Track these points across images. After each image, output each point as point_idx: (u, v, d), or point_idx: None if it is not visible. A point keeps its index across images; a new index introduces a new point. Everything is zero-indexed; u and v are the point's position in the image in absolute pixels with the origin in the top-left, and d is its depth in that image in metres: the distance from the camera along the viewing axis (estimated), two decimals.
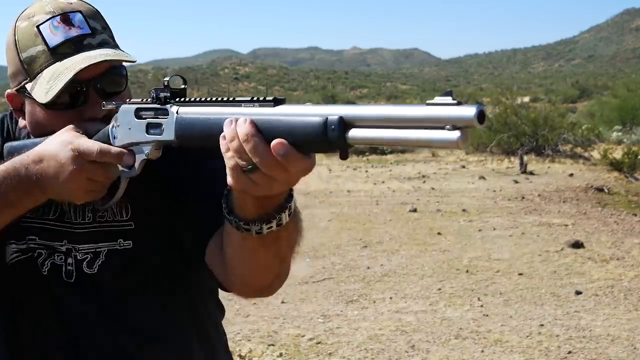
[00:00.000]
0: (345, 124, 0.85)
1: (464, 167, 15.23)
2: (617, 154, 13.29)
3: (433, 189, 11.57)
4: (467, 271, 6.27)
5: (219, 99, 1.02)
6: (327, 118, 0.86)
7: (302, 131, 0.88)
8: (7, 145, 1.31)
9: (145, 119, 1.12)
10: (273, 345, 4.54)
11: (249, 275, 1.15)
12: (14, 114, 1.34)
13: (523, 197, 10.26)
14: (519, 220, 8.53)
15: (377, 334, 4.75)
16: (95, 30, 1.23)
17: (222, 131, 0.95)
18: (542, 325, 4.84)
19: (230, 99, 1.00)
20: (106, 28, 1.27)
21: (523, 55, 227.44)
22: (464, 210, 9.33)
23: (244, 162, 0.92)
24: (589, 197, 10.22)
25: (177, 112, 1.06)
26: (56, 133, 1.17)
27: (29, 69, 1.22)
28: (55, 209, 1.29)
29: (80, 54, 1.19)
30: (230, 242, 1.10)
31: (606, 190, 10.62)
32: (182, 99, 1.08)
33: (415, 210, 9.32)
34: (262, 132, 0.91)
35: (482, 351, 4.42)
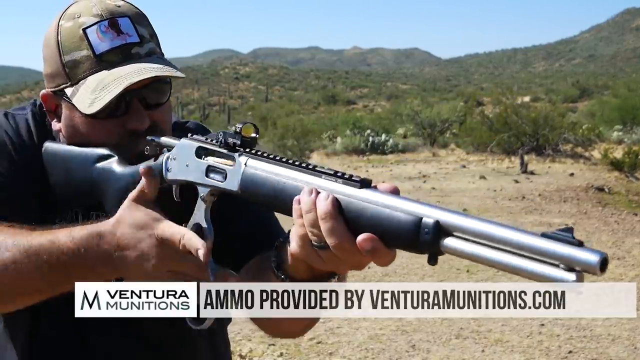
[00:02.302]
0: (441, 230, 0.79)
1: (464, 166, 15.22)
2: (618, 153, 13.29)
3: (434, 188, 11.56)
4: (467, 271, 6.27)
5: (296, 161, 0.95)
6: (421, 219, 0.80)
7: (390, 227, 0.82)
8: (47, 146, 1.23)
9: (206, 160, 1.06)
10: (273, 344, 4.54)
11: (284, 322, 1.13)
12: (46, 114, 1.26)
13: (524, 197, 10.26)
14: (520, 220, 8.53)
15: (377, 334, 4.75)
16: (143, 38, 1.18)
17: (293, 198, 0.90)
18: (542, 325, 4.84)
19: (310, 166, 0.93)
20: (153, 35, 1.22)
21: (523, 54, 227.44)
22: (464, 210, 9.33)
23: (316, 238, 0.87)
24: (590, 196, 10.22)
25: (245, 164, 0.99)
26: (125, 208, 1.04)
27: (71, 74, 1.16)
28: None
29: (129, 65, 1.14)
30: None
31: (607, 190, 10.62)
32: (252, 150, 1.01)
33: None
34: (343, 214, 0.85)
35: (483, 351, 4.42)
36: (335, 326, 4.90)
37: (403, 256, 7.01)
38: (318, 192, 0.87)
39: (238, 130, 1.02)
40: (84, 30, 1.15)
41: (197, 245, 0.97)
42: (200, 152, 1.07)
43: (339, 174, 0.89)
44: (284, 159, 0.97)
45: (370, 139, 20.08)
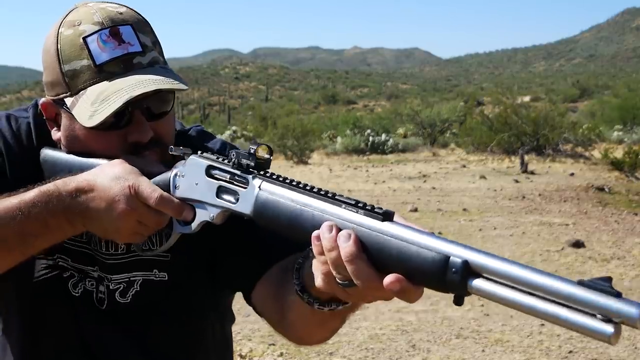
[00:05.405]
0: (469, 270, 0.75)
1: (464, 166, 15.23)
2: (618, 153, 13.30)
3: (434, 188, 11.56)
4: None
5: (313, 188, 0.90)
6: (449, 258, 0.76)
7: (416, 265, 0.78)
8: (46, 153, 1.21)
9: (217, 179, 1.02)
10: (274, 344, 4.54)
11: (310, 334, 1.14)
12: (46, 122, 1.22)
13: (524, 197, 10.26)
14: (520, 220, 8.53)
15: (377, 334, 4.75)
16: (145, 47, 1.13)
17: (313, 228, 0.86)
18: (542, 324, 4.84)
19: (329, 194, 0.88)
20: (156, 43, 1.18)
21: (524, 54, 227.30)
22: (464, 209, 9.33)
23: (341, 276, 0.84)
24: (590, 196, 10.22)
25: (259, 187, 0.95)
26: (109, 163, 1.08)
27: (71, 83, 1.12)
28: (86, 232, 1.19)
29: (131, 76, 1.10)
30: (296, 309, 1.05)
31: (607, 190, 10.62)
32: (266, 173, 0.97)
33: (416, 210, 9.32)
34: (367, 251, 0.81)
35: (483, 351, 4.42)
36: None
37: None
38: (338, 229, 0.84)
39: (252, 151, 0.99)
40: (84, 39, 1.11)
41: (172, 199, 1.05)
42: (212, 172, 1.03)
43: (360, 204, 0.85)
44: (300, 185, 0.93)
45: (371, 138, 20.08)
